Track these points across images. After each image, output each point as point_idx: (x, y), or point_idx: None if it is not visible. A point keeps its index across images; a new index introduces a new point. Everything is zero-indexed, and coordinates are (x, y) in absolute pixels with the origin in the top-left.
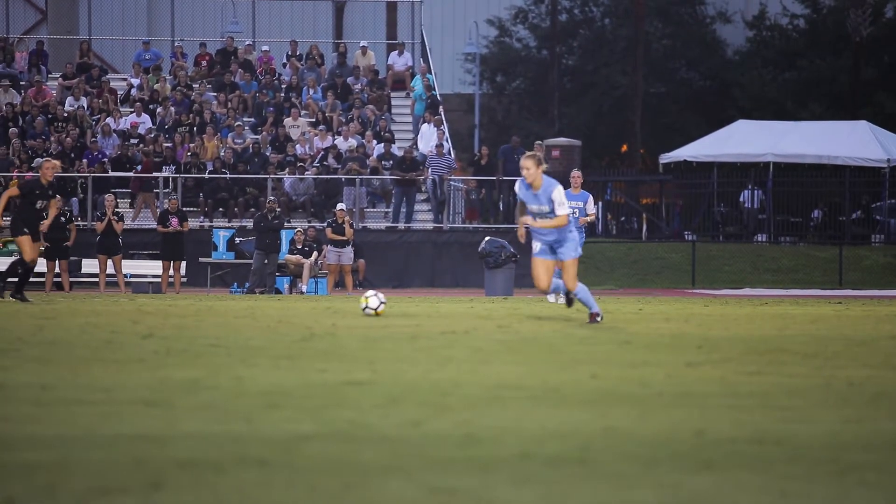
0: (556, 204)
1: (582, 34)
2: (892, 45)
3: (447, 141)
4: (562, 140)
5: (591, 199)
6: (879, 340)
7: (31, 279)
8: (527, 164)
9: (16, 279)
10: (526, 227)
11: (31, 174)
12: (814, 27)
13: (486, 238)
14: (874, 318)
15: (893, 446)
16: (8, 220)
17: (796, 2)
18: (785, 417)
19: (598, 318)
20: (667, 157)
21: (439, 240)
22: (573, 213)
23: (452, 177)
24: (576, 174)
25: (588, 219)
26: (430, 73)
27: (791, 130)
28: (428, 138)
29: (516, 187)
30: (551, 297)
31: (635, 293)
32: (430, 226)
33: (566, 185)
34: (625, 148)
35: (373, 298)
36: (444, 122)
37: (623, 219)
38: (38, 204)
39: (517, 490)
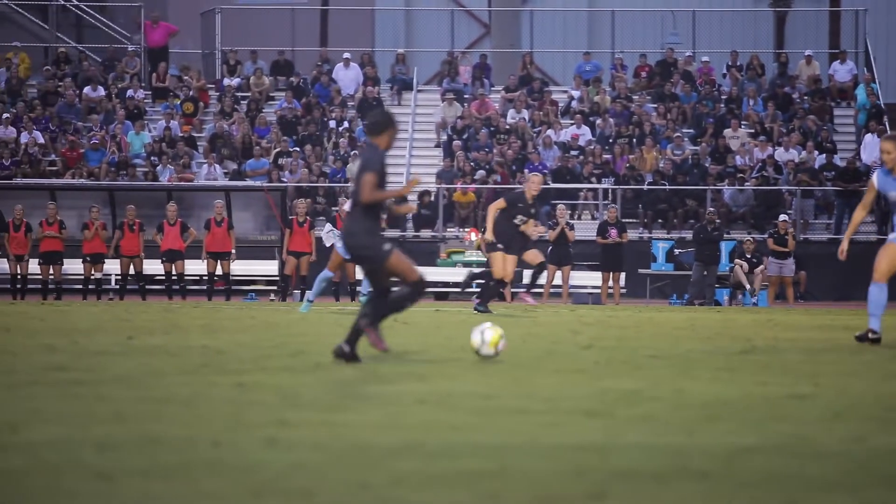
0: None
1: None
2: None
3: None
4: None
5: None
6: None
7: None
8: (887, 146)
9: (478, 289)
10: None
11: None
12: None
13: None
14: None
15: None
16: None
17: None
18: None
19: (869, 336)
20: None
21: None
22: None
23: None
24: None
25: None
26: (875, 83)
27: None
28: (871, 149)
29: (873, 178)
30: None
31: None
32: (874, 237)
33: None
34: None
35: (489, 331)
36: (889, 131)
37: None
38: (518, 219)
39: None
